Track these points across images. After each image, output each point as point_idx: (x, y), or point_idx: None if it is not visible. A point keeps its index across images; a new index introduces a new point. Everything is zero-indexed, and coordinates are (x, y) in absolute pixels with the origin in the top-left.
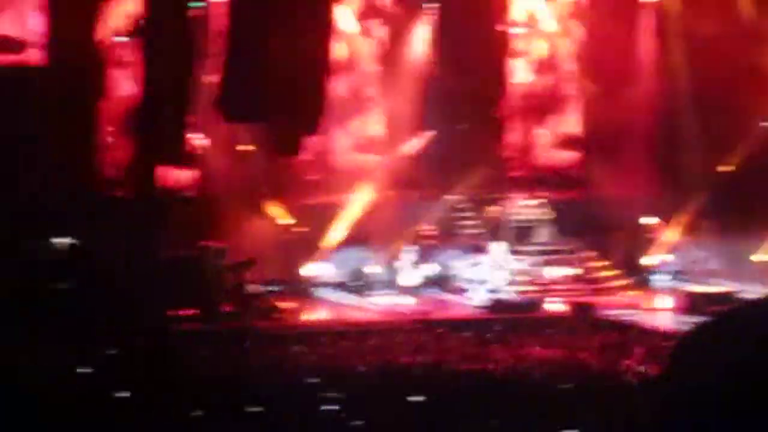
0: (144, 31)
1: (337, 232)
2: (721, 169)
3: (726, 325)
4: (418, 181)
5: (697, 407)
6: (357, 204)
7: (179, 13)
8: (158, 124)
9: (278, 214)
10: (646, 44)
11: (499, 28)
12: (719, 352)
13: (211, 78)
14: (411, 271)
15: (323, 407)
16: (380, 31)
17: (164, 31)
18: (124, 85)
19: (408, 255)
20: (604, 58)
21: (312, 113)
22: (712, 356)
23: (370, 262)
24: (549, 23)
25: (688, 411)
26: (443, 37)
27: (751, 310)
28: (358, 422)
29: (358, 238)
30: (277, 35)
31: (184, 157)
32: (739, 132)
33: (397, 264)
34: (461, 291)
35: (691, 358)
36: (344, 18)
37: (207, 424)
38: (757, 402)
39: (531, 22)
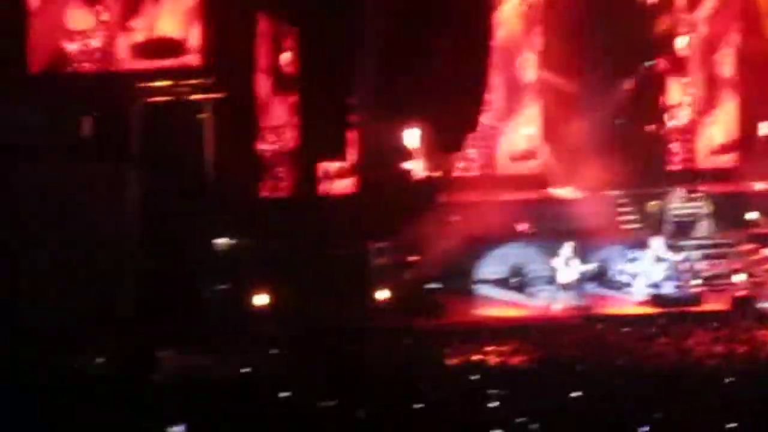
0: (302, 22)
1: (499, 229)
2: None
3: None
4: (578, 177)
5: None
6: (518, 201)
7: (340, 3)
8: (320, 120)
9: (442, 211)
10: None
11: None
12: None
13: (373, 75)
14: (571, 267)
15: (487, 404)
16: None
17: (324, 22)
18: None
19: (567, 251)
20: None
21: (473, 110)
22: None
23: (531, 258)
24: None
25: None
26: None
27: None
28: (521, 419)
29: (519, 234)
30: (437, 32)
31: (345, 154)
32: None
33: (557, 260)
34: (622, 286)
35: None
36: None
37: (374, 422)
38: None
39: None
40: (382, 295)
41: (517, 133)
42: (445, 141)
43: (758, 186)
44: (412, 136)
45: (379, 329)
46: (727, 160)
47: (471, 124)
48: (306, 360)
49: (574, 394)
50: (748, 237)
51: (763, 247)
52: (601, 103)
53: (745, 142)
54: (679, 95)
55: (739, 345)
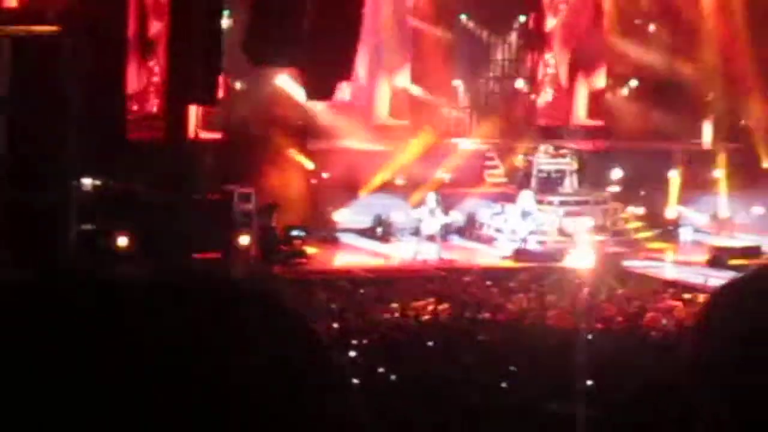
0: None
1: (363, 178)
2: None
3: (757, 282)
4: (445, 129)
5: (728, 366)
6: (383, 151)
7: None
8: (190, 65)
9: (305, 159)
10: None
11: None
12: (751, 311)
13: (241, 19)
14: (436, 218)
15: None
16: None
17: None
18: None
19: (432, 203)
20: None
21: (345, 57)
22: (744, 314)
23: (394, 209)
24: None
25: (719, 369)
26: None
27: None
28: (381, 369)
29: (383, 185)
30: None
31: (215, 99)
32: None
33: (421, 211)
34: (487, 240)
35: (723, 316)
36: None
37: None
38: None
39: None
40: (245, 240)
41: (389, 83)
42: (317, 87)
43: (624, 145)
44: (282, 82)
45: (241, 275)
46: (595, 118)
47: (343, 71)
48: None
49: (429, 343)
50: (612, 195)
51: (627, 205)
52: (474, 54)
53: (612, 101)
54: (551, 53)
55: (601, 302)
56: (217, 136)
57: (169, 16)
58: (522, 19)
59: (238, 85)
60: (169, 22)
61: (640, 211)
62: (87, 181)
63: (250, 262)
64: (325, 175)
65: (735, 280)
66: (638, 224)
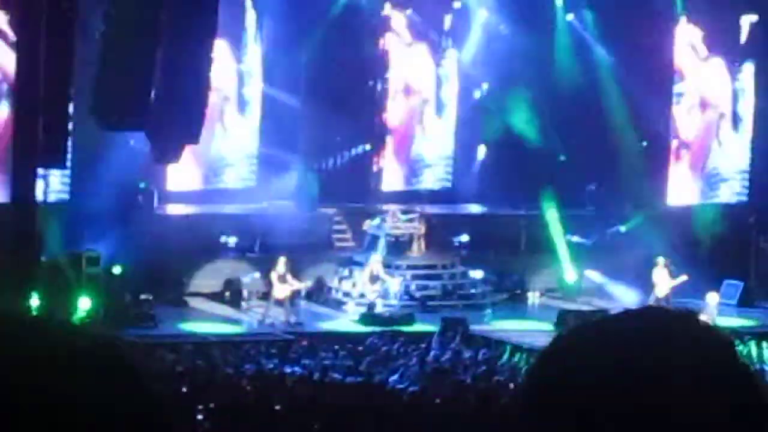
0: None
1: (217, 242)
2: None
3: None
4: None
5: (561, 414)
6: (238, 214)
7: (56, 12)
8: (38, 128)
9: (154, 222)
10: None
11: None
12: (581, 362)
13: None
14: (284, 283)
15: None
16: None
17: (37, 36)
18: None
19: (282, 267)
20: None
21: (193, 122)
22: (575, 364)
23: (245, 273)
24: None
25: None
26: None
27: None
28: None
29: (235, 248)
30: (159, 42)
31: (63, 160)
32: None
33: (272, 275)
34: (336, 303)
35: (552, 368)
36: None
37: None
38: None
39: None
40: (92, 304)
41: (236, 146)
42: (163, 151)
43: (471, 208)
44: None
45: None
46: (443, 181)
47: (191, 135)
48: None
49: (277, 407)
50: (460, 258)
51: (473, 269)
52: (323, 119)
53: (461, 164)
54: (399, 115)
55: (447, 366)
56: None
57: (16, 74)
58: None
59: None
60: (16, 82)
61: (479, 274)
62: None
63: (97, 325)
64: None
65: (563, 335)
66: (484, 288)
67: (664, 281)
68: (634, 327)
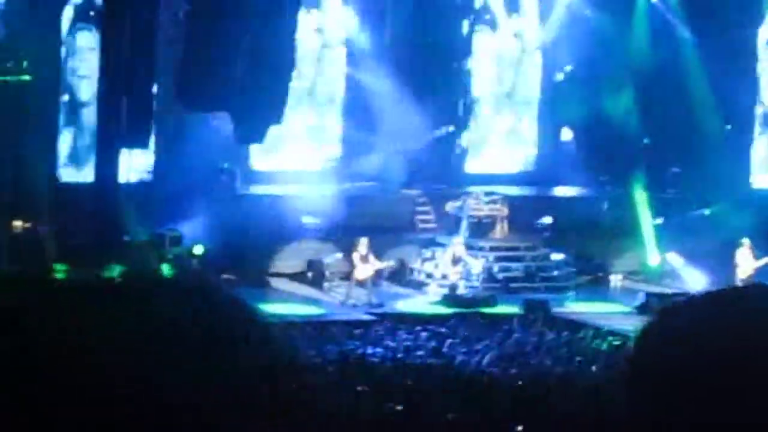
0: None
1: (299, 222)
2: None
3: (684, 315)
4: (379, 174)
5: (663, 395)
6: (315, 195)
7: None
8: (122, 109)
9: (238, 202)
10: None
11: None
12: (680, 341)
13: (172, 65)
14: (366, 263)
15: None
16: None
17: (123, 17)
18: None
19: (363, 248)
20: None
21: (277, 103)
22: (673, 345)
23: (328, 253)
24: None
25: (653, 399)
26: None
27: (707, 301)
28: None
29: (317, 229)
30: (244, 23)
31: (146, 143)
32: None
33: (353, 256)
34: (418, 284)
35: (653, 348)
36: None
37: None
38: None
39: None
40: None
41: (321, 128)
42: (248, 132)
43: (554, 191)
44: (212, 127)
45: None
46: (526, 164)
47: (274, 116)
48: None
49: (359, 388)
50: (542, 241)
51: (555, 251)
52: (406, 102)
53: (544, 146)
54: (482, 99)
55: (531, 348)
56: (149, 178)
57: (101, 56)
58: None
59: (169, 129)
60: (101, 63)
61: (561, 257)
62: (17, 223)
63: None
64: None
65: (668, 308)
66: (567, 270)
67: (747, 263)
68: (719, 312)
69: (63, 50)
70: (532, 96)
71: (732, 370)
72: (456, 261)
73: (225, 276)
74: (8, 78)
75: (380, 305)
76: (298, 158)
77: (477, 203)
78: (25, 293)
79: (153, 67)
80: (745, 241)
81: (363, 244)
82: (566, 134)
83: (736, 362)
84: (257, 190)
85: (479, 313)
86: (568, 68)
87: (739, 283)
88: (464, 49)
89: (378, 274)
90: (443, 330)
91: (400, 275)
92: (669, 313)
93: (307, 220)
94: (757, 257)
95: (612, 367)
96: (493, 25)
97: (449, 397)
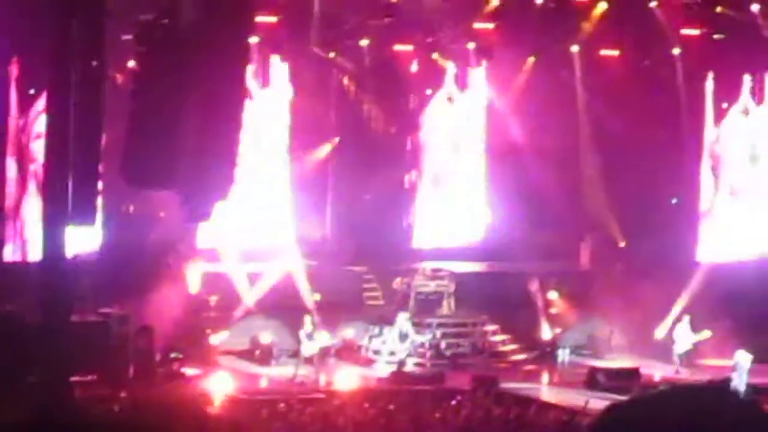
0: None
1: (242, 300)
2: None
3: (634, 411)
4: (325, 251)
5: None
6: (263, 273)
7: (86, 71)
8: (67, 186)
9: (184, 280)
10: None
11: None
12: None
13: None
14: (314, 340)
15: None
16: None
17: (70, 92)
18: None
19: (310, 325)
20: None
21: (225, 178)
22: None
23: (273, 331)
24: None
25: None
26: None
27: (658, 400)
28: None
29: (262, 306)
30: (187, 98)
31: (93, 219)
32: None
33: (300, 333)
34: (366, 361)
35: None
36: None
37: None
38: None
39: None
40: (121, 363)
41: (267, 205)
42: (196, 209)
43: (502, 266)
44: (159, 204)
45: (119, 397)
46: (473, 239)
47: (222, 192)
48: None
49: None
50: (490, 317)
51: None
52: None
53: (491, 222)
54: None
55: (480, 424)
56: (95, 256)
57: (47, 133)
58: None
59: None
60: (46, 140)
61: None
62: None
63: (128, 385)
64: (205, 297)
65: (615, 405)
66: (514, 346)
67: (686, 337)
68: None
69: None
70: (479, 170)
71: None
72: (403, 337)
73: (173, 354)
74: None
75: (328, 382)
76: (246, 235)
77: (424, 279)
78: None
79: (99, 145)
80: (686, 317)
81: (308, 321)
82: (514, 208)
83: None
84: (204, 267)
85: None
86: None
87: (675, 359)
88: (413, 123)
89: (325, 351)
90: (391, 407)
91: (348, 352)
92: (617, 410)
93: (252, 297)
94: (695, 332)
95: None
96: (443, 99)
97: None
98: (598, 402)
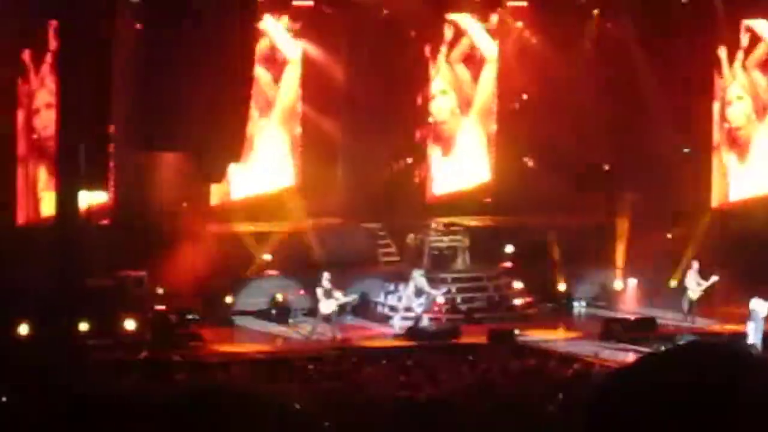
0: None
1: (257, 259)
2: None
3: (653, 368)
4: (338, 209)
5: None
6: (276, 232)
7: (93, 38)
8: (79, 150)
9: (198, 242)
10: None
11: None
12: (646, 397)
13: (128, 104)
14: (331, 298)
15: None
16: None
17: (80, 57)
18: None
19: (326, 283)
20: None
21: (236, 140)
22: (639, 401)
23: (290, 290)
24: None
25: None
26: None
27: (676, 355)
28: None
29: (278, 266)
30: (196, 63)
31: (105, 183)
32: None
33: (317, 291)
34: (381, 318)
35: (618, 401)
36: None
37: None
38: None
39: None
40: (131, 325)
41: (278, 164)
42: (209, 170)
43: (515, 220)
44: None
45: (137, 360)
46: (486, 194)
47: (234, 154)
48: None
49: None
50: (505, 270)
51: (517, 280)
52: (359, 138)
53: (503, 176)
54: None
55: (496, 377)
56: (108, 220)
57: (57, 99)
58: None
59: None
60: (57, 106)
61: (520, 285)
62: None
63: (143, 347)
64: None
65: (621, 372)
66: (529, 299)
67: (696, 285)
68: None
69: None
70: (489, 125)
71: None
72: (419, 293)
73: (189, 315)
74: None
75: (345, 339)
76: (259, 194)
77: (438, 235)
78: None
79: (109, 110)
80: (694, 263)
81: (326, 278)
82: (526, 163)
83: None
84: (216, 228)
85: (443, 345)
86: (525, 96)
87: (685, 306)
88: (421, 77)
89: (342, 308)
90: (409, 363)
91: (363, 309)
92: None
93: (267, 257)
94: (706, 278)
95: (576, 396)
96: (449, 53)
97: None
98: (616, 353)
